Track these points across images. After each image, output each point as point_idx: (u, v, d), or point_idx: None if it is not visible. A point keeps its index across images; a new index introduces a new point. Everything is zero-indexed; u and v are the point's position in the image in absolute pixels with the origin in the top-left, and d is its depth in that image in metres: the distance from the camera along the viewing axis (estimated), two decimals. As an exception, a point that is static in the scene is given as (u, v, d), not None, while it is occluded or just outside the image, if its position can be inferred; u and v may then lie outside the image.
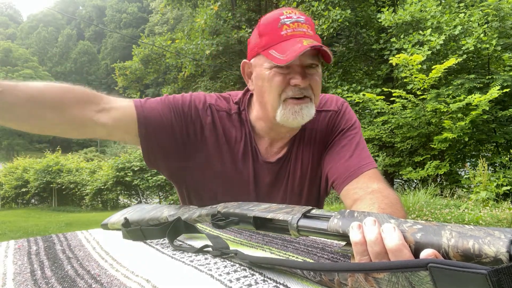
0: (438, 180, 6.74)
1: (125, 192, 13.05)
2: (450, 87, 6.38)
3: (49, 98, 0.85)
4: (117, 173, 11.76)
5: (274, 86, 0.92)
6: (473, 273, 0.36)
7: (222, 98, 1.07)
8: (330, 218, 0.57)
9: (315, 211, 0.62)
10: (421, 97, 6.51)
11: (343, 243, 0.55)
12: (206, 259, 0.69)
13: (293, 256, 0.71)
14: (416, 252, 0.46)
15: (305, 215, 0.61)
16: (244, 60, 1.04)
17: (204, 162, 1.03)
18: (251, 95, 1.06)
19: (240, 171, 1.05)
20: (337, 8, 8.34)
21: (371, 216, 0.53)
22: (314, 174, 1.07)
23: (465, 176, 6.51)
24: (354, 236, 0.51)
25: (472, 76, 6.47)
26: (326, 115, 1.07)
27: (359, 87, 8.36)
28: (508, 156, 6.48)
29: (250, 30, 10.21)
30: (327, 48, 0.89)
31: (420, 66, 6.34)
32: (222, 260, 0.68)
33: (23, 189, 14.77)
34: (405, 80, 6.87)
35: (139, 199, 12.70)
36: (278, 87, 0.92)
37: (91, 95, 0.91)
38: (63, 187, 13.87)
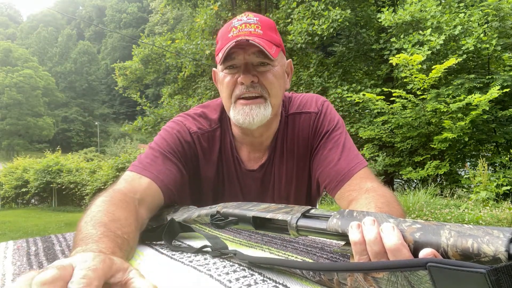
0: (438, 180, 6.73)
1: (125, 192, 13.04)
2: (450, 87, 6.38)
3: (135, 226, 0.74)
4: (117, 173, 11.75)
5: (225, 87, 0.95)
6: (472, 272, 0.36)
7: (198, 117, 1.06)
8: (329, 218, 0.57)
9: (314, 211, 0.62)
10: (421, 97, 6.50)
11: (342, 242, 0.55)
12: (205, 259, 0.69)
13: (292, 256, 0.71)
14: (415, 251, 0.46)
15: (304, 215, 0.61)
16: (214, 68, 1.06)
17: (202, 185, 1.07)
18: None
19: (229, 183, 1.07)
20: (337, 8, 8.34)
21: (370, 215, 0.53)
22: (300, 178, 1.06)
23: (465, 176, 6.51)
24: (353, 235, 0.51)
25: (472, 76, 6.46)
26: (306, 117, 1.05)
27: (359, 87, 8.35)
28: (508, 156, 6.48)
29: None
30: (258, 42, 0.87)
31: (420, 66, 6.34)
32: (222, 260, 0.68)
33: (23, 189, 14.76)
34: (405, 80, 6.86)
35: (139, 199, 12.69)
36: (228, 87, 0.94)
37: (128, 197, 0.81)
38: (63, 187, 13.86)
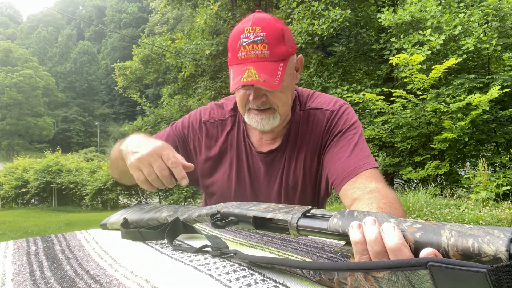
0: (438, 180, 6.73)
1: (125, 192, 13.05)
2: (450, 87, 6.37)
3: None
4: (117, 173, 11.73)
5: (239, 99, 1.05)
6: (473, 271, 0.36)
7: (217, 107, 1.21)
8: (329, 217, 0.57)
9: (314, 211, 0.62)
10: (421, 97, 6.50)
11: (343, 242, 0.55)
12: (205, 259, 0.69)
13: (292, 256, 0.71)
14: (416, 251, 0.46)
15: (304, 215, 0.61)
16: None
17: (209, 169, 1.17)
18: None
19: (238, 164, 1.14)
20: (337, 8, 8.33)
21: (371, 215, 0.53)
22: (309, 170, 1.10)
23: (465, 176, 6.50)
24: (354, 235, 0.51)
25: (472, 76, 6.46)
26: (322, 113, 1.10)
27: (359, 87, 8.35)
28: (508, 156, 6.47)
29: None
30: (262, 83, 0.93)
31: (420, 66, 6.33)
32: (222, 260, 0.68)
33: (23, 189, 14.75)
34: (405, 80, 6.86)
35: (139, 199, 12.71)
36: (241, 100, 1.04)
37: None
38: (63, 187, 13.85)
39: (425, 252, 0.44)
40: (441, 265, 0.38)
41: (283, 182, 1.11)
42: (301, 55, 1.10)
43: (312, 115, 1.11)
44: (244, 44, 0.97)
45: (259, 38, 0.97)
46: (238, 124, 1.16)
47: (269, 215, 0.64)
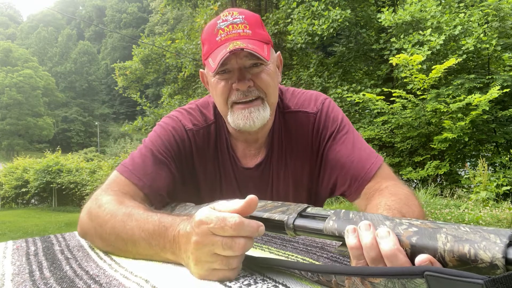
0: (438, 180, 6.73)
1: (125, 192, 13.03)
2: (450, 87, 6.37)
3: None
4: (117, 173, 11.73)
5: (219, 93, 0.91)
6: (470, 282, 0.36)
7: (195, 112, 1.04)
8: (326, 218, 0.57)
9: (310, 210, 0.61)
10: (421, 97, 6.50)
11: (340, 242, 0.55)
12: (204, 260, 0.69)
13: (292, 256, 0.71)
14: (411, 256, 0.46)
15: (300, 215, 0.61)
16: (201, 69, 1.04)
17: (199, 183, 1.04)
18: None
19: (226, 181, 1.04)
20: (337, 8, 8.32)
21: (366, 217, 0.52)
22: (299, 177, 1.04)
23: (465, 176, 6.50)
24: (350, 240, 0.51)
25: (472, 76, 6.46)
26: (305, 117, 1.01)
27: (359, 87, 8.34)
28: (508, 156, 6.47)
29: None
30: (252, 48, 0.84)
31: (420, 66, 6.33)
32: (220, 261, 0.68)
33: (23, 189, 14.76)
34: (405, 80, 6.86)
35: (139, 199, 12.68)
36: (222, 93, 0.91)
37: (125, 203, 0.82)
38: (63, 187, 13.86)
39: (420, 259, 0.43)
40: (437, 275, 0.38)
41: (273, 194, 1.05)
42: (279, 52, 1.03)
43: (294, 119, 1.01)
44: (223, 26, 0.89)
45: (238, 19, 0.90)
46: (220, 133, 1.03)
47: (265, 215, 0.64)
